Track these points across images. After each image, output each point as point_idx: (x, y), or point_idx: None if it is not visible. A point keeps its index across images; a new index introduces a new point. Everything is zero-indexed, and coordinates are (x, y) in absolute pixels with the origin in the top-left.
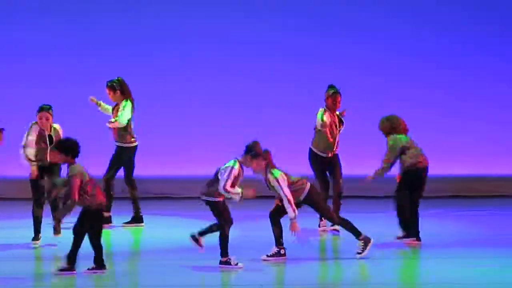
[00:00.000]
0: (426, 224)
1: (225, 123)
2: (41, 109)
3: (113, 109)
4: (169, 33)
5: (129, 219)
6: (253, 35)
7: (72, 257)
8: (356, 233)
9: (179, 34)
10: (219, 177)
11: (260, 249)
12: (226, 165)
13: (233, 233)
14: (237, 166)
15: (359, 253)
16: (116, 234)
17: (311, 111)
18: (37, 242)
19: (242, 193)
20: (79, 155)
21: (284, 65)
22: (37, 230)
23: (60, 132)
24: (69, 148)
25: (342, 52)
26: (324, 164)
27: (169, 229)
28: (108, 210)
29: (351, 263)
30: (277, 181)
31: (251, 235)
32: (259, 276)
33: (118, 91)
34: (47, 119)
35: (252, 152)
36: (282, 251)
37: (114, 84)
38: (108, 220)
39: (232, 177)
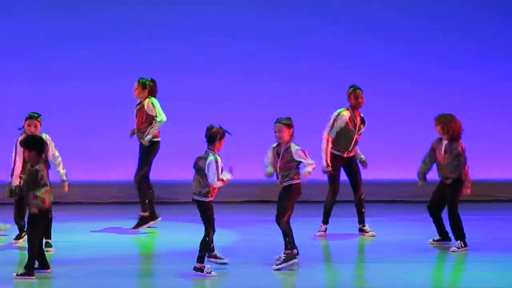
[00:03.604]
0: (422, 228)
1: (227, 126)
2: (30, 117)
3: (137, 110)
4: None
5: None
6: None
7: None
8: (290, 246)
9: (179, 33)
10: (207, 173)
11: (259, 254)
12: (207, 161)
13: (233, 237)
14: (217, 158)
15: (277, 265)
16: (106, 237)
17: (326, 112)
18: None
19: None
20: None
21: (298, 63)
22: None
23: (48, 142)
24: (34, 144)
25: (359, 52)
26: (339, 165)
27: (163, 235)
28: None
29: (347, 267)
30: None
31: (251, 239)
32: (257, 281)
33: (147, 91)
34: (36, 127)
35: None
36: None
37: (147, 83)
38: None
39: (220, 169)
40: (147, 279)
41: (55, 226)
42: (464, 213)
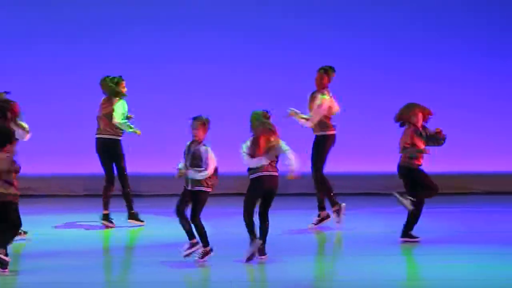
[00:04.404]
0: (398, 221)
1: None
2: None
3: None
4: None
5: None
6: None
7: None
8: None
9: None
10: (203, 165)
11: (232, 246)
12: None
13: (208, 230)
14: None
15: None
16: (90, 232)
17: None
18: None
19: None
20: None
21: (277, 56)
22: None
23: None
24: None
25: (347, 48)
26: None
27: (138, 227)
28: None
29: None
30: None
31: (223, 232)
32: (230, 272)
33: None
34: None
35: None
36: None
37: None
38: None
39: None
40: (119, 271)
41: (28, 219)
42: (439, 205)
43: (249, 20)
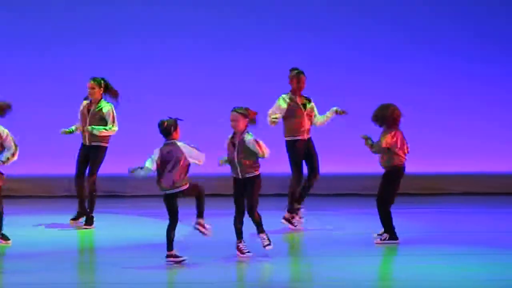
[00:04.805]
0: (373, 222)
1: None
2: None
3: (91, 110)
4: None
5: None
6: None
7: None
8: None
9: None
10: (191, 159)
11: (210, 248)
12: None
13: (185, 231)
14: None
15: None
16: (67, 232)
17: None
18: None
19: None
20: None
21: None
22: None
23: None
24: None
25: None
26: (302, 149)
27: (120, 227)
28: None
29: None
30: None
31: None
32: (212, 273)
33: (102, 89)
34: None
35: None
36: None
37: (102, 82)
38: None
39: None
40: (99, 272)
41: (9, 220)
42: (416, 206)
43: (247, 21)
